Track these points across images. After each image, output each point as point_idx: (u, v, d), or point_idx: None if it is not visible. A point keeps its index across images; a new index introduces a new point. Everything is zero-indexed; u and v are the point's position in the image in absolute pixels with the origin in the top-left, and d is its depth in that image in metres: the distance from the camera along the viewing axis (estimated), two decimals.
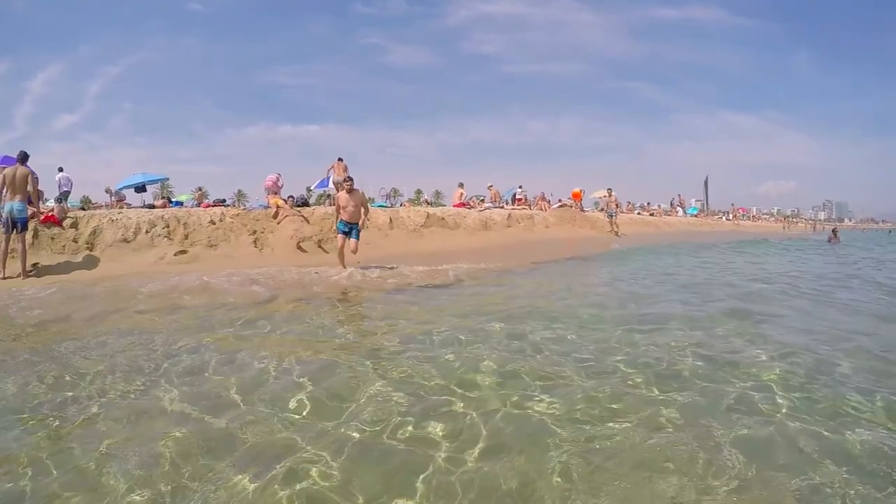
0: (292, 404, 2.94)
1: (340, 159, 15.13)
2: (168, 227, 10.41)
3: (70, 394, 3.13)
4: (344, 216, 8.75)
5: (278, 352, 3.94)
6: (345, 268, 8.63)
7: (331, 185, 17.99)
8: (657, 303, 6.25)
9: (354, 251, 8.77)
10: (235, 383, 3.27)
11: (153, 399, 3.04)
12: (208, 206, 14.46)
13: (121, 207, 13.75)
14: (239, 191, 41.90)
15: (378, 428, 2.61)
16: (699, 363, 3.62)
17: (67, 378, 3.40)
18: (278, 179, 13.41)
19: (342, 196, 8.88)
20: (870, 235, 41.06)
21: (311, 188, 20.42)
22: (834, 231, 25.94)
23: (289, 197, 13.38)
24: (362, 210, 8.87)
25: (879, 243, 25.90)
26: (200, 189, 18.58)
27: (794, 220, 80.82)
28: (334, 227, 9.73)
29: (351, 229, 8.75)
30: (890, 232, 51.71)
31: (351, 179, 9.06)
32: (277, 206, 12.08)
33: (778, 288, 7.46)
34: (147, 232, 10.12)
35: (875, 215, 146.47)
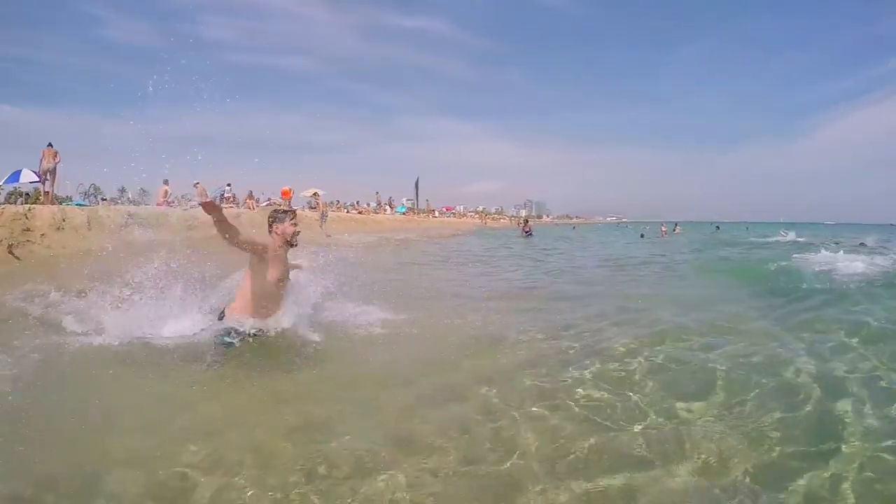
0: None
1: (50, 145, 15.34)
2: None
3: None
4: (263, 306, 4.04)
5: None
6: None
7: (22, 178, 17.93)
8: None
9: None
10: None
11: None
12: None
13: None
14: None
15: None
16: None
17: None
18: None
19: (274, 250, 4.07)
20: (558, 231, 48.42)
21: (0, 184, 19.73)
22: (525, 220, 32.16)
23: None
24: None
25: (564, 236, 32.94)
26: None
27: (498, 216, 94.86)
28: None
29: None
30: (574, 227, 61.81)
31: (292, 213, 4.37)
32: None
33: None
34: None
35: (570, 212, 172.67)
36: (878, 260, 10.65)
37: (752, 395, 3.40)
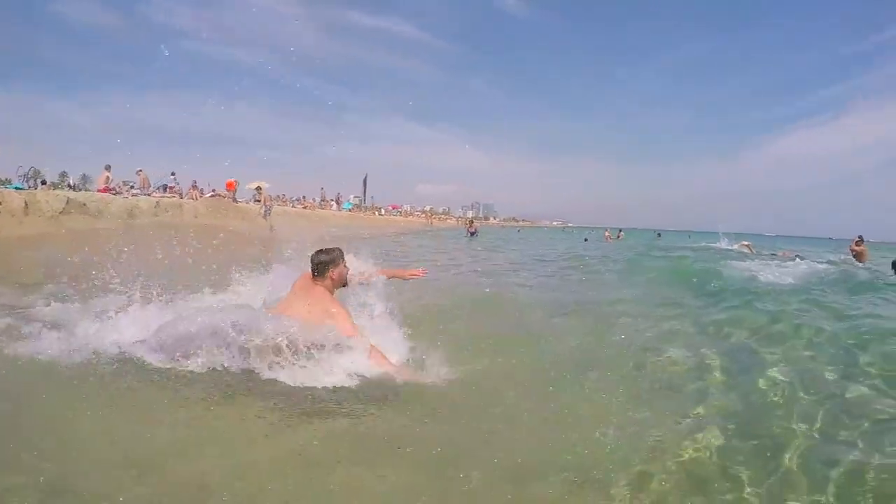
0: None
1: None
2: None
3: None
4: None
5: None
6: None
7: None
8: None
9: None
10: None
11: None
12: None
13: None
14: None
15: None
16: None
17: None
18: None
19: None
20: (503, 233, 49.51)
21: None
22: (471, 221, 33.04)
23: None
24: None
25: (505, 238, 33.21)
26: None
27: (445, 216, 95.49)
28: None
29: None
30: (519, 230, 62.80)
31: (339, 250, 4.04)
32: None
33: None
34: None
35: (517, 215, 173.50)
36: (802, 268, 11.19)
37: (667, 385, 3.93)
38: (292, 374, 3.43)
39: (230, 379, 3.40)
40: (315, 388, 3.35)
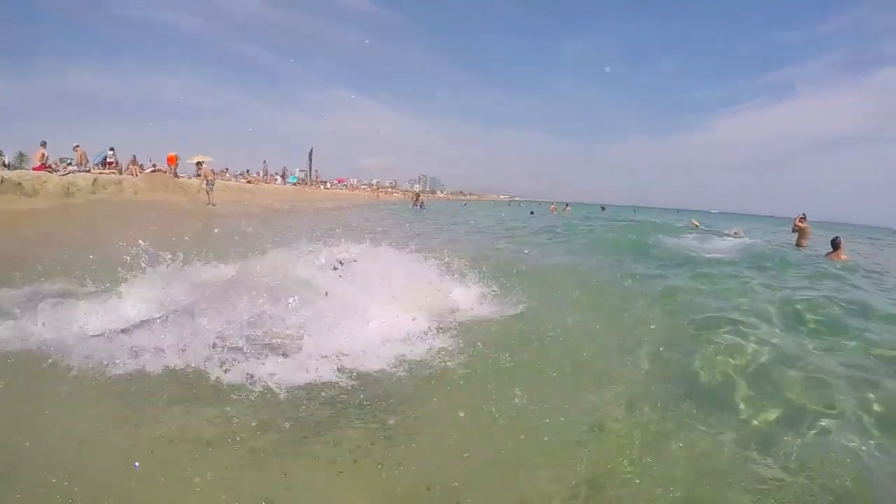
0: None
1: None
2: None
3: None
4: None
5: None
6: None
7: None
8: None
9: None
10: None
11: None
12: None
13: None
14: None
15: None
16: None
17: None
18: None
19: None
20: (449, 206, 51.00)
21: None
22: (417, 195, 33.18)
23: None
24: None
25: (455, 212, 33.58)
26: None
27: (391, 190, 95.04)
28: None
29: None
30: (465, 204, 64.28)
31: None
32: None
33: None
34: None
35: (463, 188, 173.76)
36: (742, 243, 12.13)
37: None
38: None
39: (162, 363, 3.51)
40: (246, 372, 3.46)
